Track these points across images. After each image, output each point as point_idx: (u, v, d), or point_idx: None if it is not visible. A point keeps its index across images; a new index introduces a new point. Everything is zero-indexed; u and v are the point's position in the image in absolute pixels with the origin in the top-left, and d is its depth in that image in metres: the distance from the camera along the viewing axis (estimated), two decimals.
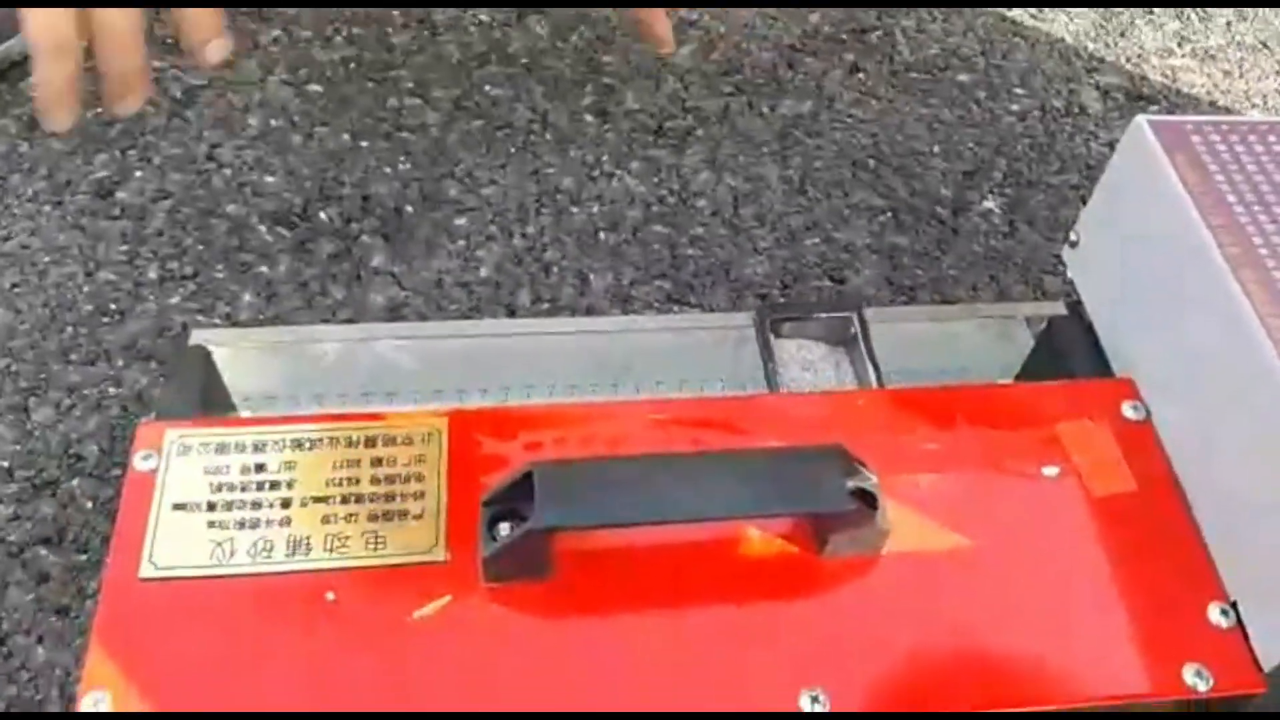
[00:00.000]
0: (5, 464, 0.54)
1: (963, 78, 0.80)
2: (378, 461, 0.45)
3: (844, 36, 0.81)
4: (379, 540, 0.43)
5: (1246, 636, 0.42)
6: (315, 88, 0.73)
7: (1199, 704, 0.42)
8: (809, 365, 0.57)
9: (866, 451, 0.43)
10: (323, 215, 0.66)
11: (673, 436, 0.47)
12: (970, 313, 0.62)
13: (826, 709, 0.40)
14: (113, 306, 0.60)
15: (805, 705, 0.40)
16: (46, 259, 0.62)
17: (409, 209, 0.67)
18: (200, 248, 0.64)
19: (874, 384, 0.54)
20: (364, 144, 0.70)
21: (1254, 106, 0.80)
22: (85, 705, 0.38)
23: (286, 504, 0.43)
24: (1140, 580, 0.44)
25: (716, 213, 0.69)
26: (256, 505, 0.43)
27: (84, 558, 0.51)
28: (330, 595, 0.41)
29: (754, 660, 0.41)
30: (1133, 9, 0.87)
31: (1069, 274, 0.56)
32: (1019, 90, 0.79)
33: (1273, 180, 0.48)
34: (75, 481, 0.53)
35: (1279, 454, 0.40)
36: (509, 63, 0.76)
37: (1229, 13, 0.88)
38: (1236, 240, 0.45)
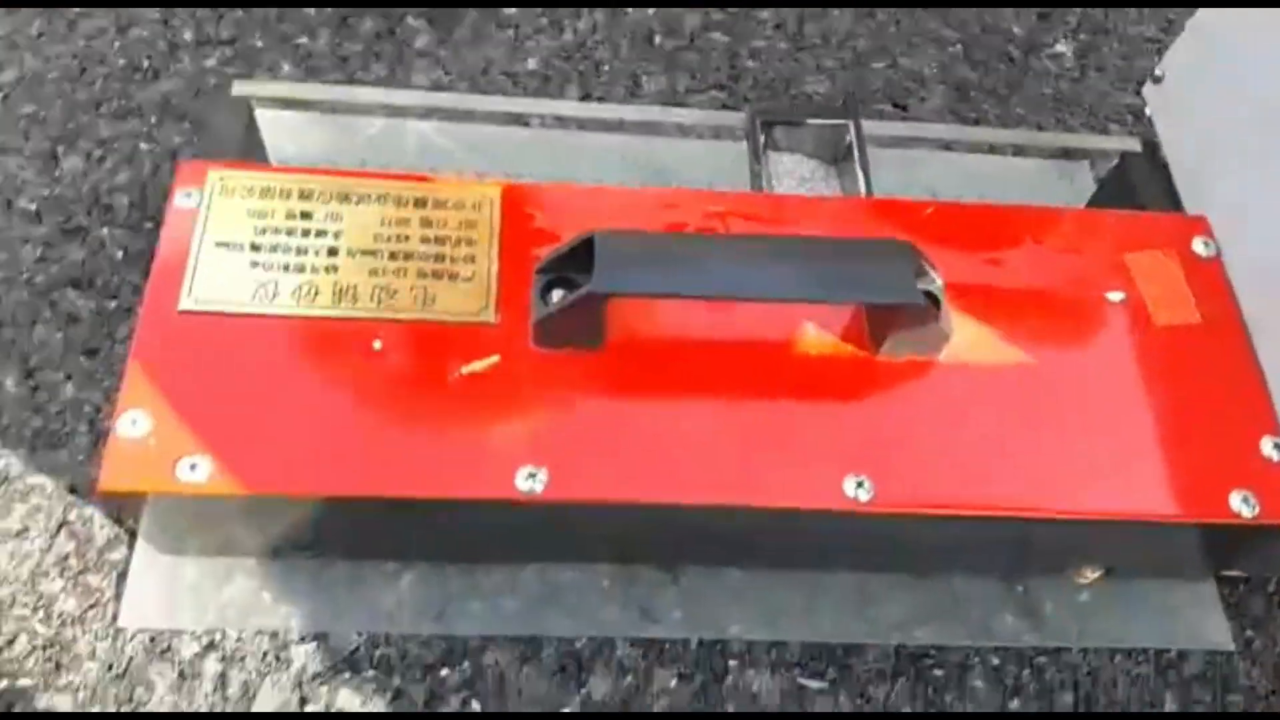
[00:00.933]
0: (33, 207, 0.52)
1: None
2: (427, 222, 0.43)
3: None
4: (428, 297, 0.41)
5: None
6: None
7: (1243, 529, 0.41)
8: (803, 181, 0.54)
9: (933, 258, 0.42)
10: None
11: (731, 226, 0.45)
12: (1031, 140, 0.60)
13: (870, 495, 0.39)
14: (146, 63, 0.58)
15: (849, 490, 0.39)
16: (75, 11, 0.59)
17: None
18: (239, 13, 0.60)
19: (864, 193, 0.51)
20: None
21: None
22: (122, 425, 0.37)
23: (333, 252, 0.42)
24: (1196, 409, 0.43)
25: (780, 26, 0.66)
26: (302, 251, 0.42)
27: (114, 304, 0.49)
28: (377, 344, 0.40)
29: (801, 446, 0.40)
30: None
31: (1149, 110, 0.54)
32: None
33: None
34: (105, 230, 0.51)
35: None
36: None
37: None
38: None
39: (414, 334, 0.40)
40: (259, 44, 0.60)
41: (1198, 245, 0.47)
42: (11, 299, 0.49)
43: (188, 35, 0.59)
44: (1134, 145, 0.54)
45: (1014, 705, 0.45)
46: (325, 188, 0.43)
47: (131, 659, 0.41)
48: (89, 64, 0.58)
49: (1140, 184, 0.53)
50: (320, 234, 0.42)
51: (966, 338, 0.43)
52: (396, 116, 0.54)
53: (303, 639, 0.42)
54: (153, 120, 0.56)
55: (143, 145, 0.55)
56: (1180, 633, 0.47)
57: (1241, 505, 0.41)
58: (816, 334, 0.42)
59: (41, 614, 0.42)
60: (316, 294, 0.41)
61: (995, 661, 0.46)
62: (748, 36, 0.65)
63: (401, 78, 0.60)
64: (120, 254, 0.51)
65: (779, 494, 0.39)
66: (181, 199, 0.42)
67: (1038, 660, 0.46)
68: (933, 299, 0.41)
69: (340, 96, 0.53)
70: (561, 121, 0.57)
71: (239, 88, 0.50)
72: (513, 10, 0.63)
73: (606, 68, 0.62)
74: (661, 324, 0.42)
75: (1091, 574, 0.47)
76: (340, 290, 0.41)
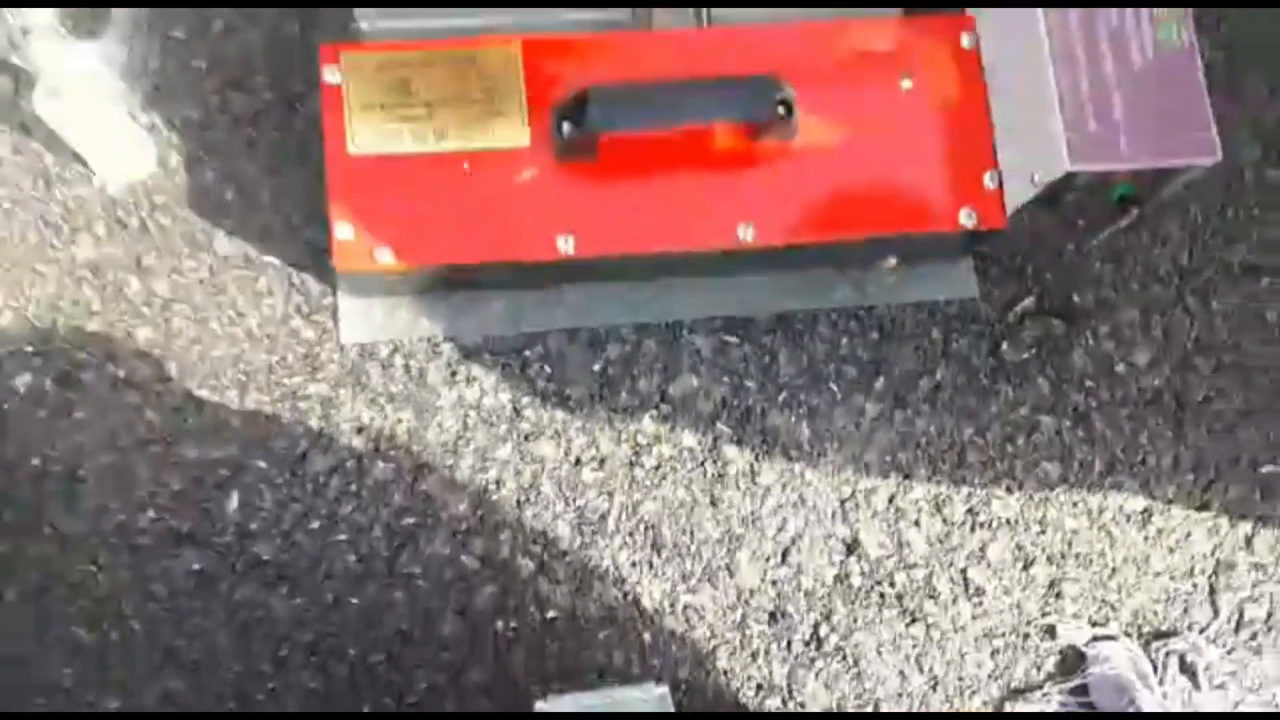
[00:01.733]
0: (204, 65, 0.77)
1: None
2: (480, 76, 0.70)
3: None
4: (489, 130, 0.69)
5: (1002, 192, 0.71)
6: None
7: (964, 239, 0.72)
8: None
9: (788, 71, 0.69)
10: None
11: (671, 59, 0.71)
12: None
13: (753, 236, 0.70)
14: None
15: (741, 234, 0.70)
16: None
17: None
18: None
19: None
20: None
21: None
22: (338, 233, 0.66)
23: (428, 105, 0.69)
24: (948, 155, 0.72)
25: None
26: (409, 105, 0.69)
27: (277, 134, 0.77)
28: (465, 165, 0.69)
29: (712, 206, 0.70)
30: None
31: None
32: None
33: None
34: (258, 78, 0.77)
35: (1022, 79, 0.66)
36: None
37: None
38: None
39: (485, 158, 0.69)
40: None
41: (965, 39, 0.74)
42: (212, 137, 0.76)
43: None
44: None
45: (844, 343, 0.79)
46: (414, 59, 0.69)
47: (353, 361, 0.74)
48: None
49: None
50: (416, 92, 0.69)
51: (812, 126, 0.71)
52: None
53: (446, 339, 0.75)
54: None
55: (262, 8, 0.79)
56: (946, 289, 0.80)
57: (966, 219, 0.71)
58: (724, 132, 0.70)
59: (295, 339, 0.74)
60: (425, 137, 0.68)
61: (834, 317, 0.79)
62: None
63: None
64: (269, 95, 0.77)
65: (703, 239, 0.70)
66: (329, 76, 0.68)
67: (859, 313, 0.79)
68: (788, 107, 0.69)
69: None
70: None
71: None
72: None
73: None
74: (632, 139, 0.70)
75: (892, 262, 0.78)
76: (438, 132, 0.69)
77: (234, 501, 0.72)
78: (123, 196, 0.75)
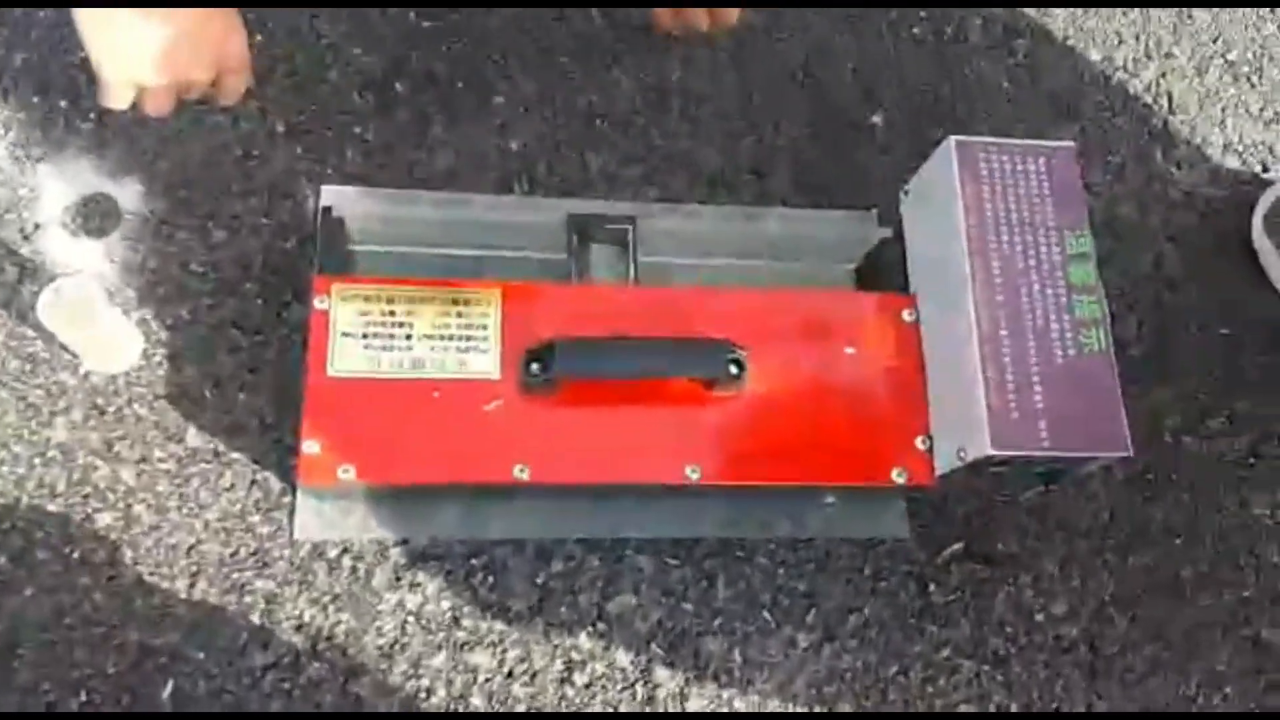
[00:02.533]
0: (201, 269, 0.83)
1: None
2: (460, 315, 0.75)
3: None
4: (463, 363, 0.74)
5: (932, 456, 0.77)
6: None
7: (898, 489, 0.78)
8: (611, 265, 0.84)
9: (745, 332, 0.75)
10: (398, 87, 0.91)
11: (636, 315, 0.77)
12: (799, 224, 0.92)
13: (699, 476, 0.74)
14: (255, 152, 0.87)
15: (688, 473, 0.74)
16: (201, 109, 0.87)
17: (460, 85, 0.92)
18: (314, 107, 0.89)
19: (631, 281, 0.82)
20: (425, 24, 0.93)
21: (1095, 45, 1.06)
22: (306, 448, 0.70)
23: (409, 337, 0.74)
24: (884, 419, 0.78)
25: (684, 110, 0.95)
26: (391, 337, 0.74)
27: (260, 337, 0.81)
28: (436, 393, 0.73)
29: (662, 448, 0.75)
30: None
31: (902, 209, 0.86)
32: (922, 15, 1.04)
33: (1019, 190, 0.78)
34: (248, 285, 0.83)
35: (957, 365, 0.73)
36: None
37: None
38: (979, 238, 0.75)
39: (457, 387, 0.73)
40: (328, 133, 0.89)
41: (905, 314, 0.81)
42: (197, 335, 0.81)
43: (280, 127, 0.88)
44: (887, 233, 0.86)
45: (780, 573, 0.83)
46: (402, 294, 0.75)
47: (303, 559, 0.77)
48: (217, 153, 0.87)
49: (888, 263, 0.85)
50: (401, 325, 0.74)
51: (762, 378, 0.77)
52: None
53: (396, 543, 0.78)
54: (266, 199, 0.86)
55: (263, 219, 0.85)
56: (880, 528, 0.85)
57: (898, 476, 0.77)
58: (679, 382, 0.76)
59: (250, 534, 0.77)
60: (402, 364, 0.73)
61: (772, 546, 0.83)
62: (659, 120, 0.94)
63: (427, 159, 0.89)
64: (260, 301, 0.82)
65: (652, 474, 0.74)
66: (318, 303, 0.74)
67: (798, 545, 0.84)
68: (739, 366, 0.75)
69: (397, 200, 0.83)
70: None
71: (326, 195, 0.80)
72: (500, 99, 0.92)
73: (563, 147, 0.92)
74: (591, 383, 0.75)
75: (830, 499, 0.83)
76: (415, 361, 0.74)
77: (168, 689, 0.74)
78: (104, 385, 0.78)
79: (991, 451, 0.70)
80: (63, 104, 0.85)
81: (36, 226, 0.82)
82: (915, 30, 1.03)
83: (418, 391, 0.73)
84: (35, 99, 0.85)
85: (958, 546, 0.87)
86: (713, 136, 0.95)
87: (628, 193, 0.91)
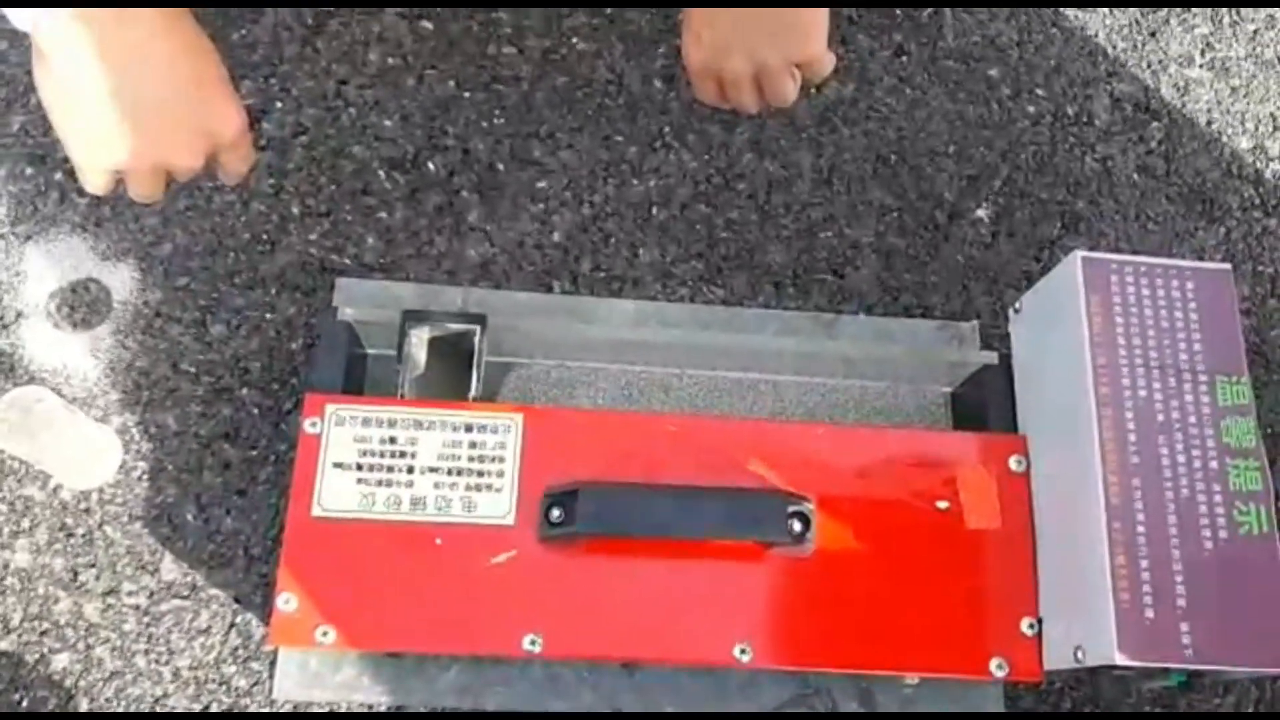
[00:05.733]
0: (193, 370, 0.73)
1: (992, 72, 0.90)
2: (473, 444, 0.64)
3: (897, 12, 0.90)
4: (471, 504, 0.63)
5: (1041, 643, 0.62)
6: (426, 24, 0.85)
7: (994, 683, 0.63)
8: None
9: (811, 478, 0.62)
10: (430, 165, 0.80)
11: (678, 450, 0.65)
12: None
13: (750, 658, 0.61)
14: (264, 237, 0.77)
15: (736, 654, 0.61)
16: (210, 185, 0.78)
17: (500, 166, 0.81)
18: (334, 188, 0.79)
19: (474, 393, 0.65)
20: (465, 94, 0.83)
21: (1244, 132, 0.91)
22: (279, 603, 0.59)
23: (410, 470, 0.63)
24: (983, 594, 0.64)
25: (752, 196, 0.83)
26: (390, 469, 0.63)
27: (254, 452, 0.71)
28: (438, 540, 0.62)
29: (706, 619, 0.62)
30: (1170, 7, 0.94)
31: (1010, 330, 0.72)
32: (1040, 91, 0.90)
33: (1160, 322, 0.63)
34: (245, 390, 0.72)
35: (1077, 537, 0.59)
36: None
37: (1261, 16, 0.95)
38: (1111, 381, 0.61)
39: (461, 533, 0.62)
40: (348, 217, 0.78)
41: (1013, 462, 0.67)
42: (184, 448, 0.71)
43: (295, 209, 0.78)
44: (992, 359, 0.72)
45: None
46: (405, 416, 0.64)
47: None
48: (223, 236, 0.77)
49: (996, 391, 0.71)
50: (401, 454, 0.63)
51: (833, 538, 0.64)
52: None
53: (389, 708, 0.66)
54: (273, 291, 0.76)
55: (267, 315, 0.75)
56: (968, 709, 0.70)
57: (996, 669, 0.62)
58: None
59: (225, 688, 0.66)
60: (400, 504, 0.62)
61: None
62: (725, 207, 0.82)
63: (458, 249, 0.78)
64: (256, 410, 0.72)
65: (691, 653, 0.61)
66: (309, 427, 0.63)
67: None
68: (805, 521, 0.62)
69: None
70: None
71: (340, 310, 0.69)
72: (544, 183, 0.81)
73: (612, 239, 0.80)
74: (621, 540, 0.62)
75: (912, 679, 0.69)
76: (415, 500, 0.62)
77: None
78: (74, 503, 0.69)
79: (1120, 661, 0.55)
80: (58, 176, 0.77)
81: (18, 315, 0.73)
82: (1030, 108, 0.89)
83: (416, 538, 0.62)
84: (29, 169, 0.77)
85: None
86: (784, 227, 0.82)
87: (683, 292, 0.79)
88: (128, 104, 0.55)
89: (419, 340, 0.66)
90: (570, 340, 0.72)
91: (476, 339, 0.66)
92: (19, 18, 0.53)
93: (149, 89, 0.56)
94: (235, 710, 0.66)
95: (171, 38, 0.56)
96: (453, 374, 0.66)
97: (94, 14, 0.53)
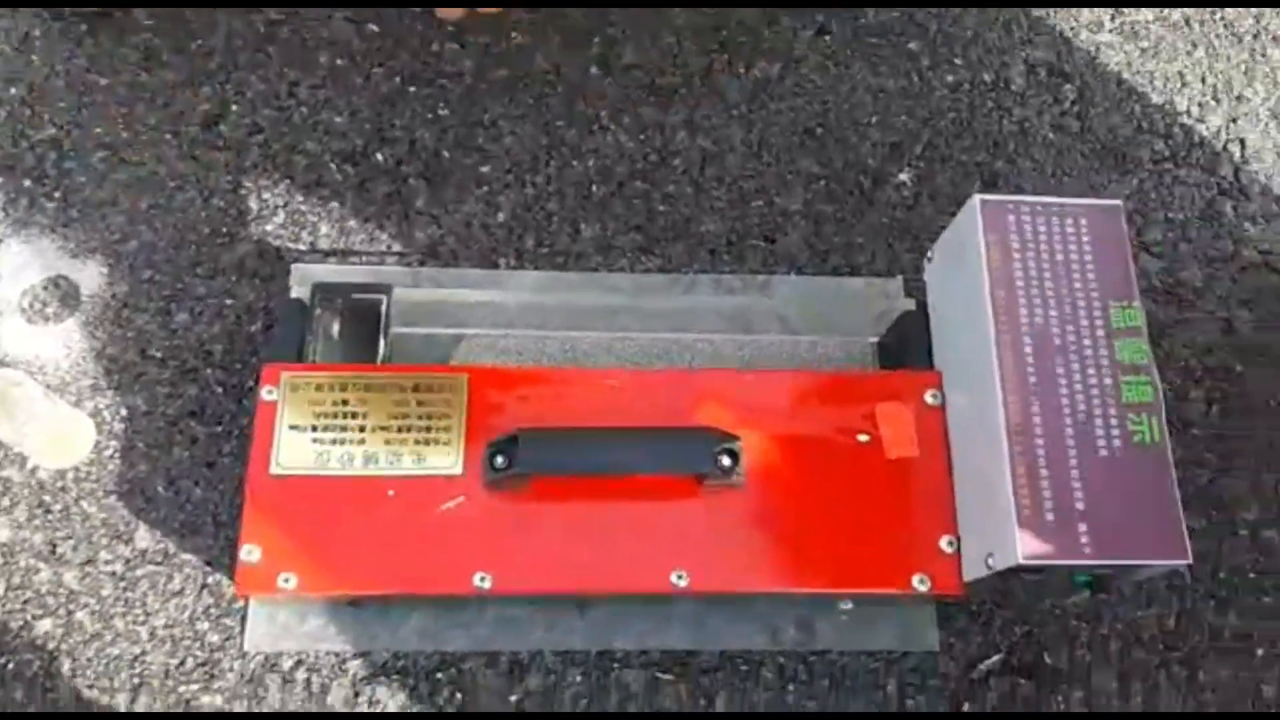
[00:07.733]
0: (160, 355, 0.77)
1: (912, 45, 0.95)
2: (421, 402, 0.68)
3: None
4: (421, 457, 0.67)
5: (960, 560, 0.67)
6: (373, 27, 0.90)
7: (918, 598, 0.67)
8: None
9: (742, 418, 0.67)
10: (379, 156, 0.85)
11: (617, 402, 0.69)
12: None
13: (686, 583, 0.65)
14: (224, 230, 0.82)
15: (674, 580, 0.65)
16: (172, 185, 0.82)
17: (446, 154, 0.86)
18: (289, 180, 0.84)
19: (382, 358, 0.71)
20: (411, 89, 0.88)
21: (1154, 89, 0.96)
22: (243, 554, 0.63)
23: (362, 429, 0.67)
24: (904, 517, 0.68)
25: (686, 171, 0.88)
26: (343, 429, 0.67)
27: (219, 428, 0.75)
28: (391, 492, 0.66)
29: (644, 550, 0.66)
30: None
31: (925, 278, 0.77)
32: (958, 60, 0.95)
33: (1055, 255, 0.68)
34: (209, 371, 0.77)
35: (983, 458, 0.63)
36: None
37: None
38: (1009, 311, 0.66)
39: (413, 484, 0.66)
40: (302, 207, 0.83)
41: (928, 396, 0.71)
42: (153, 426, 0.75)
43: (252, 203, 0.83)
44: (910, 305, 0.77)
45: (789, 691, 0.73)
46: (356, 380, 0.68)
47: (254, 671, 0.69)
48: (185, 231, 0.82)
49: (914, 334, 0.76)
50: (353, 415, 0.67)
51: (760, 473, 0.68)
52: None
53: (355, 655, 0.70)
54: (233, 279, 0.80)
55: (228, 301, 0.79)
56: (904, 640, 0.74)
57: (919, 584, 0.66)
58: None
59: (198, 643, 0.70)
60: (352, 459, 0.66)
61: (781, 660, 0.73)
62: (661, 183, 0.87)
63: (406, 231, 0.83)
64: (220, 389, 0.77)
65: (632, 582, 0.66)
66: (265, 394, 0.67)
67: (809, 658, 0.73)
68: (733, 456, 0.66)
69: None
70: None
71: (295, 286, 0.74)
72: (488, 168, 0.86)
73: (555, 217, 0.85)
74: (564, 479, 0.67)
75: (848, 605, 0.73)
76: (368, 456, 0.66)
77: None
78: (51, 481, 0.73)
79: (1022, 561, 0.59)
80: (27, 184, 0.81)
81: None
82: (949, 77, 0.94)
83: (369, 490, 0.66)
84: (0, 179, 0.82)
85: (996, 659, 0.75)
86: (717, 199, 0.87)
87: (623, 263, 0.84)
88: None
89: (329, 310, 0.70)
90: (512, 308, 0.77)
91: (383, 307, 0.70)
92: None
93: None
94: (208, 663, 0.70)
95: None
96: (363, 341, 0.71)
97: None
